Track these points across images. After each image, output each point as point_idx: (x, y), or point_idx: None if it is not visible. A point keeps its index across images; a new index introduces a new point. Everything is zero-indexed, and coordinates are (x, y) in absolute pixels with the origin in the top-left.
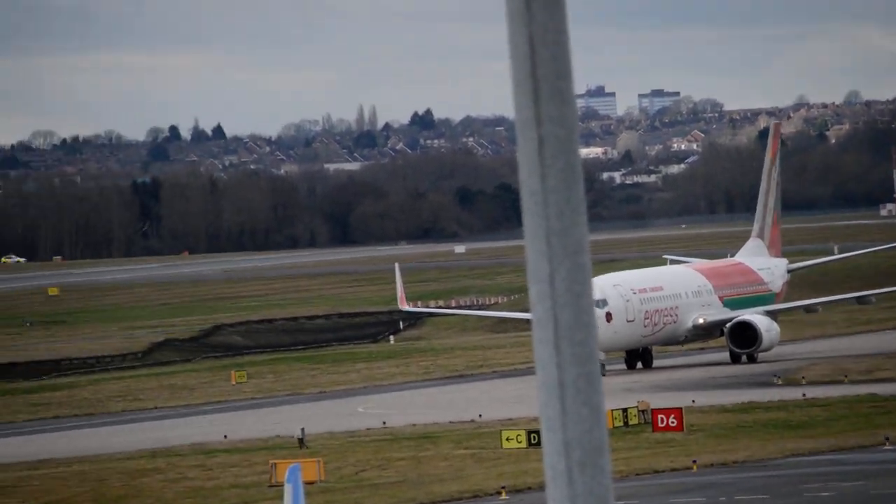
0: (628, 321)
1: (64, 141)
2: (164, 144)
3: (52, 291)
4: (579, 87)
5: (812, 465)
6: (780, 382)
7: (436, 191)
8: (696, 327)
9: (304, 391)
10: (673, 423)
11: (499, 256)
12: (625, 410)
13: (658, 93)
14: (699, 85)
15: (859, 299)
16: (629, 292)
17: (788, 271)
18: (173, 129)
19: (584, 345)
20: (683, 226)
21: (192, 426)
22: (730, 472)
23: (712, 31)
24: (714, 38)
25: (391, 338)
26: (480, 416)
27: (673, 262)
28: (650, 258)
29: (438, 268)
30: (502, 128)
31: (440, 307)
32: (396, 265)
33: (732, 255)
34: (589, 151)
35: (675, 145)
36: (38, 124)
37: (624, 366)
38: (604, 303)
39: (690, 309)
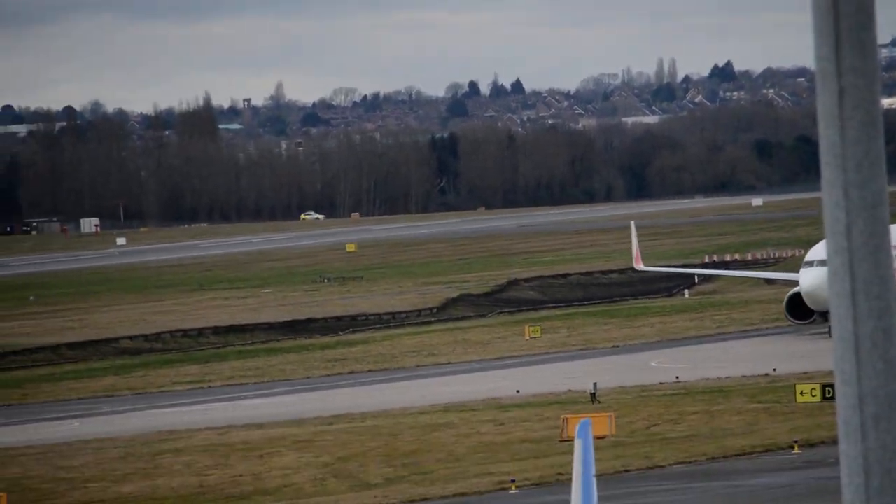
0: None
1: (365, 98)
2: (463, 100)
3: (350, 248)
4: (884, 37)
5: None
6: None
7: (734, 143)
8: None
9: (598, 346)
10: None
11: (796, 209)
12: None
13: None
14: None
15: None
16: None
17: None
18: (473, 85)
19: (882, 298)
20: None
21: (485, 381)
22: None
23: None
24: None
25: (686, 292)
26: (775, 370)
27: None
28: None
29: (735, 220)
30: (804, 79)
31: (736, 261)
32: (633, 224)
33: None
34: (892, 102)
35: None
36: (340, 82)
37: None
38: None
39: None
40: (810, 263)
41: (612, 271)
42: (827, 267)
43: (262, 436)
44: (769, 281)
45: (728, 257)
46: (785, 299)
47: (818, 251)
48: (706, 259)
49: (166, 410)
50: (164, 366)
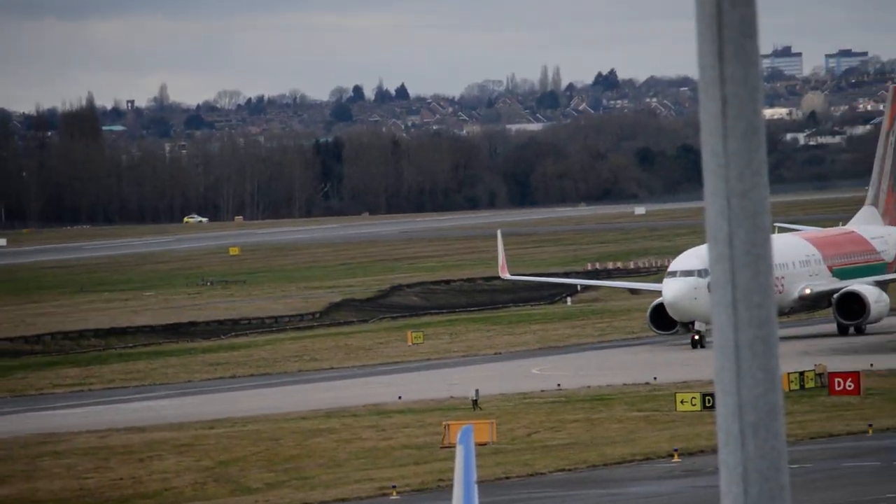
0: None
1: (249, 101)
2: (347, 105)
3: (233, 251)
4: (765, 47)
5: None
6: None
7: (616, 152)
8: (801, 298)
9: (480, 352)
10: (850, 386)
11: (678, 218)
12: (802, 374)
13: (846, 53)
14: (888, 45)
15: None
16: None
17: None
18: (357, 90)
19: (762, 307)
20: (866, 188)
21: (367, 387)
22: None
23: None
24: None
25: (568, 299)
26: (655, 378)
27: (782, 230)
28: (831, 220)
29: (618, 229)
30: (686, 88)
31: (619, 269)
32: (499, 232)
33: (845, 224)
34: (773, 112)
35: (862, 106)
36: (224, 84)
37: None
38: (705, 272)
39: (797, 279)
40: (673, 274)
41: (494, 278)
42: (692, 277)
43: (142, 439)
44: (634, 291)
45: (610, 265)
46: (649, 309)
47: (681, 262)
48: (588, 267)
49: (46, 413)
50: (44, 368)
